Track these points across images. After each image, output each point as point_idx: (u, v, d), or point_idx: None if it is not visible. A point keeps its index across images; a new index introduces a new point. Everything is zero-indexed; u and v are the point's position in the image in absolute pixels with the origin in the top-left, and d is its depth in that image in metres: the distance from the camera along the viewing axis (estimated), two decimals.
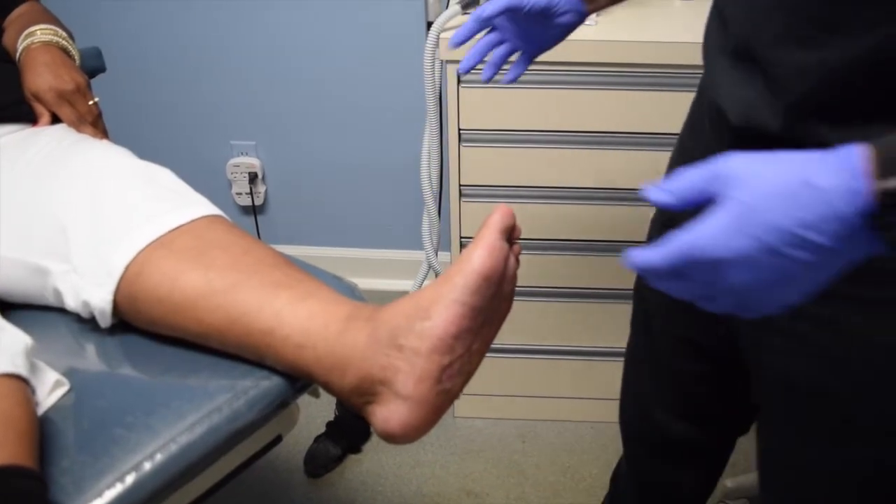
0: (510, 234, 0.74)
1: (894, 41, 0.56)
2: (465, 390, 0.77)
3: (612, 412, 1.17)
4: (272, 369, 0.80)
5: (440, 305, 0.71)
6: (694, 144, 0.85)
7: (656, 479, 1.15)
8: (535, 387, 1.69)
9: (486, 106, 1.38)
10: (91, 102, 1.08)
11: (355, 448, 1.64)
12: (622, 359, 1.10)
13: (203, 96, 1.86)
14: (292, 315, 0.77)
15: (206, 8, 1.73)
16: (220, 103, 1.87)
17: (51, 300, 0.88)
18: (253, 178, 1.93)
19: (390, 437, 0.74)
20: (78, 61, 1.12)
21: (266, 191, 1.97)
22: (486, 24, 0.90)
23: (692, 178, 0.51)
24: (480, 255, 0.71)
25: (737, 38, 0.70)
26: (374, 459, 1.63)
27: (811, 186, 0.43)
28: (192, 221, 0.85)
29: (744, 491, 1.49)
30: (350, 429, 1.64)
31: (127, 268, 0.81)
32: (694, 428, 1.04)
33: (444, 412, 0.75)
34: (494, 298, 0.73)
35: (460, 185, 1.46)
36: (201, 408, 0.76)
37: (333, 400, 1.60)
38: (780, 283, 0.47)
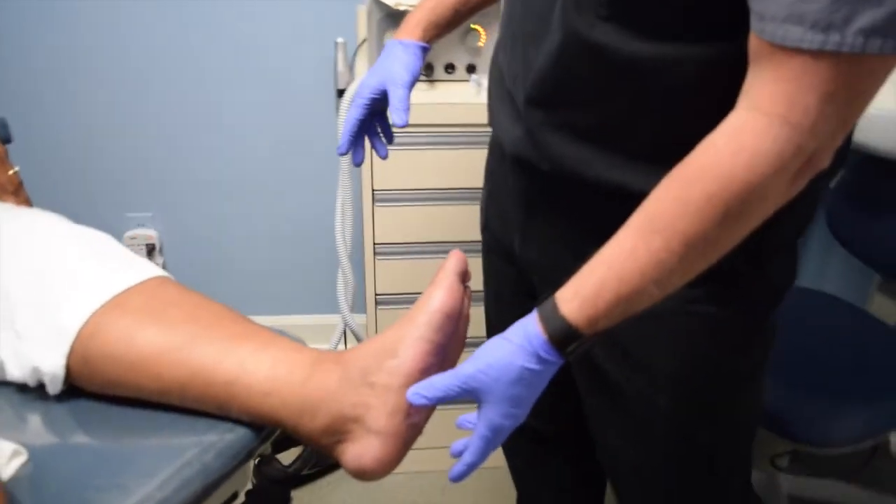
0: (463, 278, 0.80)
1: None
2: None
3: None
4: (235, 421, 0.82)
5: (405, 344, 0.76)
6: (495, 167, 1.02)
7: (524, 470, 1.26)
8: (452, 437, 1.72)
9: (398, 166, 1.44)
10: (11, 172, 1.06)
11: None
12: None
13: (97, 168, 1.83)
14: (256, 364, 0.79)
15: (100, 81, 1.73)
16: (114, 175, 1.84)
17: None
18: (151, 249, 1.90)
19: (363, 473, 0.77)
20: None
21: (164, 263, 1.94)
22: (359, 125, 1.00)
23: (447, 389, 0.71)
24: (441, 295, 0.77)
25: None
26: None
27: (527, 369, 0.68)
28: (143, 282, 0.86)
29: None
30: (268, 499, 1.61)
31: (80, 329, 0.81)
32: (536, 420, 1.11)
33: (411, 445, 0.79)
34: (453, 336, 0.79)
35: (374, 244, 1.51)
36: (172, 463, 0.76)
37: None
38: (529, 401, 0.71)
